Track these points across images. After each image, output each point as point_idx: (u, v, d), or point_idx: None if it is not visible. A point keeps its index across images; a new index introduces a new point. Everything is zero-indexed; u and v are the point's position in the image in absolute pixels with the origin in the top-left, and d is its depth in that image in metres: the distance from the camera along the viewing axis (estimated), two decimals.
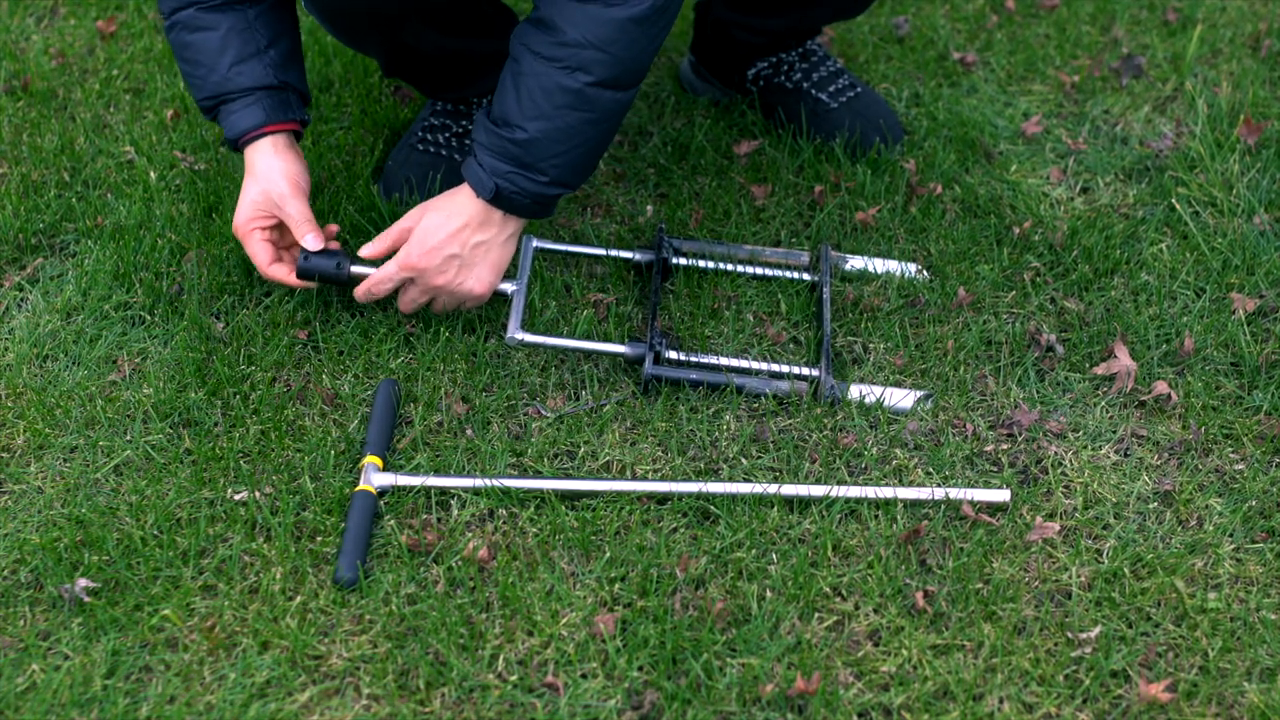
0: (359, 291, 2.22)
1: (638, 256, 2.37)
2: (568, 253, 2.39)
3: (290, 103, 2.24)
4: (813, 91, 2.62)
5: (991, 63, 2.85)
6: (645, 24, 2.04)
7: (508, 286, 2.24)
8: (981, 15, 2.97)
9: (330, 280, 2.23)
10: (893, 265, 2.39)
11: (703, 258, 2.39)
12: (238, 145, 2.22)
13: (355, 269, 2.22)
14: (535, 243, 2.33)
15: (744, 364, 2.21)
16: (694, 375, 2.19)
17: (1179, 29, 2.93)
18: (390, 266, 2.17)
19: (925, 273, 2.38)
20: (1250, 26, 2.93)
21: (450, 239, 2.13)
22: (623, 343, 2.22)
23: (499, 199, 2.11)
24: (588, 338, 2.28)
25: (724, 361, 2.21)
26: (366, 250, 2.19)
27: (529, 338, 2.20)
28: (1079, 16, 2.96)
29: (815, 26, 2.60)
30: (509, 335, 2.19)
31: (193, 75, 2.21)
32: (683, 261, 2.37)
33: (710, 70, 2.72)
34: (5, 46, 2.86)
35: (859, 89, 2.63)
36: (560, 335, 2.26)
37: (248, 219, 2.22)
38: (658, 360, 2.20)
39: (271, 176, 2.21)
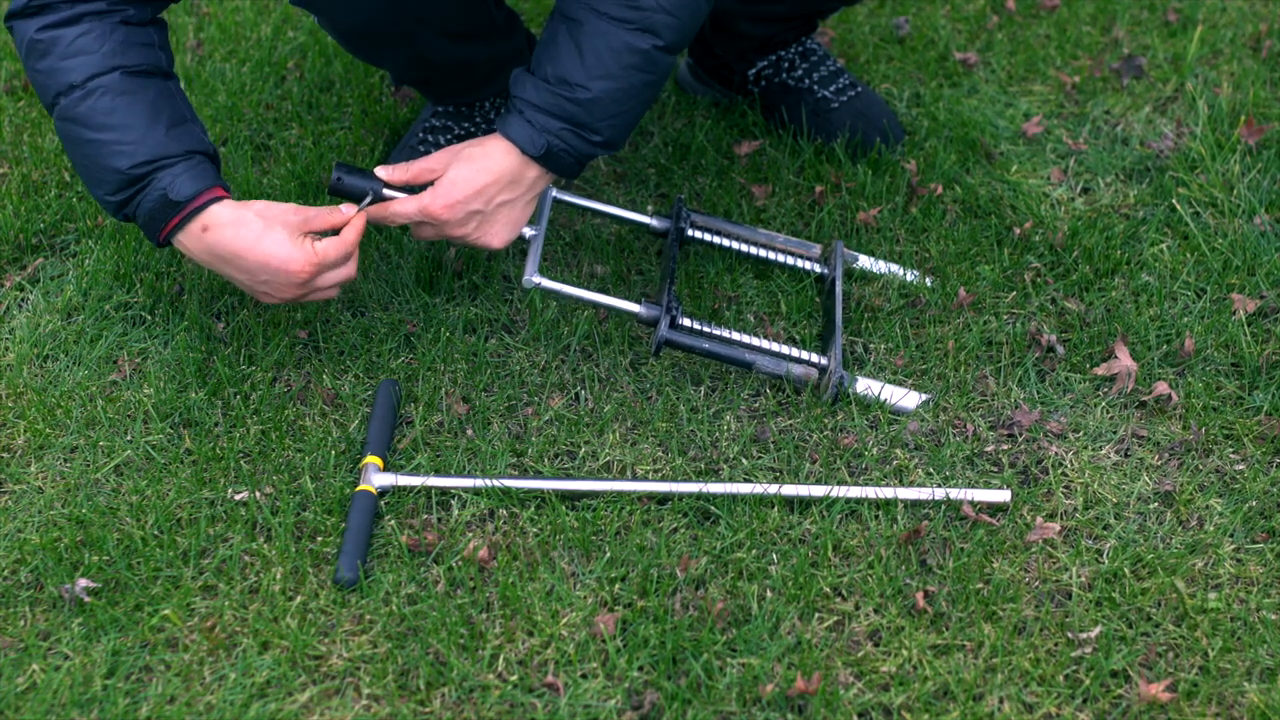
0: (373, 214, 2.16)
1: (655, 223, 2.37)
2: (585, 208, 2.37)
3: (219, 172, 2.13)
4: (815, 88, 2.62)
5: (992, 63, 2.85)
6: None
7: (527, 231, 2.22)
8: (982, 16, 2.97)
9: (357, 200, 2.16)
10: (899, 270, 2.39)
11: (717, 233, 2.39)
12: (183, 212, 2.05)
13: (386, 192, 2.16)
14: (554, 193, 2.32)
15: (757, 342, 2.20)
16: (707, 345, 2.18)
17: (1179, 29, 2.93)
18: (410, 205, 2.13)
19: (929, 280, 2.38)
20: (1251, 27, 2.93)
21: (475, 195, 2.12)
22: (638, 303, 2.21)
23: (546, 156, 2.11)
24: (588, 338, 2.28)
25: (737, 337, 2.20)
26: (383, 171, 2.15)
27: (545, 283, 2.19)
28: (1079, 17, 2.96)
29: (819, 10, 2.59)
30: (526, 279, 2.18)
31: (119, 143, 2.04)
32: (697, 234, 2.37)
33: (708, 73, 2.72)
34: (5, 46, 2.86)
35: (859, 88, 2.64)
36: (576, 286, 2.23)
37: (303, 256, 2.07)
38: (673, 325, 2.19)
39: (267, 215, 2.08)
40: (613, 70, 2.07)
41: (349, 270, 2.13)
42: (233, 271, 2.09)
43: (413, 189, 2.16)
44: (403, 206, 2.14)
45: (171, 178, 2.05)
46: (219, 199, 2.07)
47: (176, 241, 2.09)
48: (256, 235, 2.06)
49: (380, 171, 2.15)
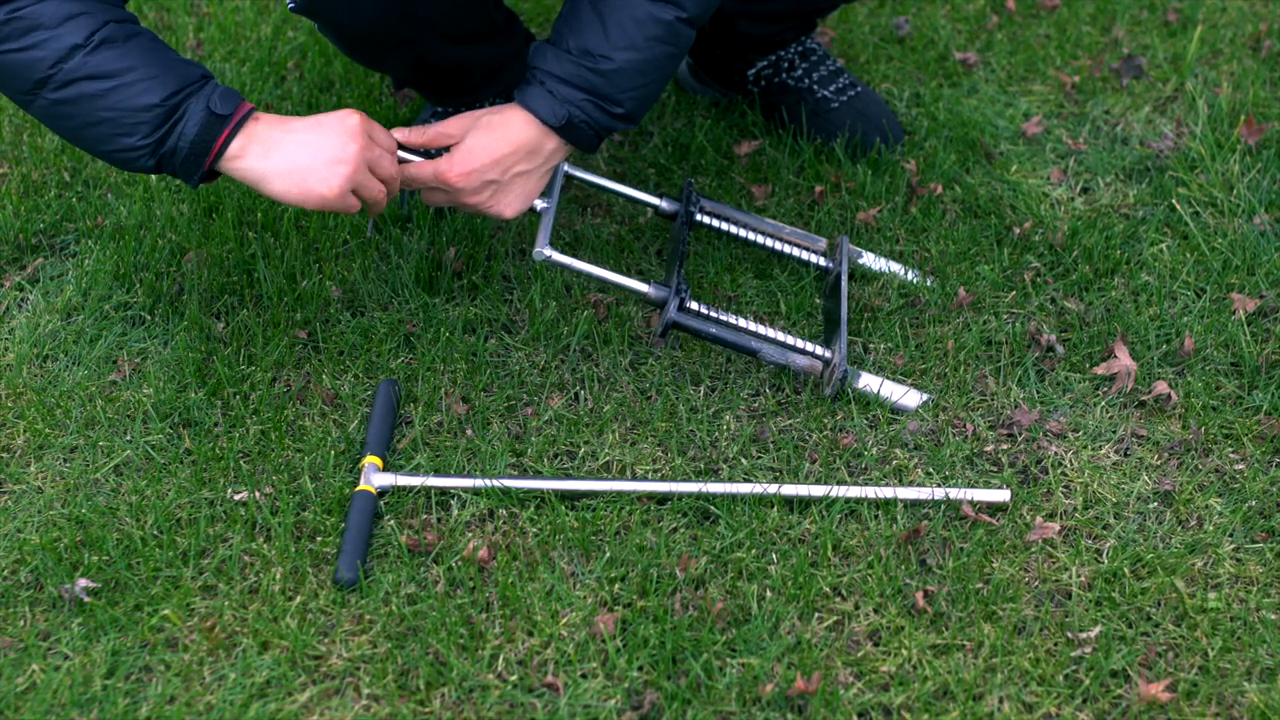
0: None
1: (665, 204, 2.37)
2: (596, 184, 2.35)
3: None
4: (814, 89, 2.62)
5: (992, 63, 2.85)
6: None
7: (539, 203, 2.21)
8: (982, 15, 2.97)
9: None
10: (899, 269, 2.39)
11: (725, 219, 2.38)
12: (235, 118, 2.01)
13: (401, 154, 2.15)
14: (566, 167, 2.31)
15: (764, 330, 2.20)
16: (714, 330, 2.18)
17: (1179, 29, 2.93)
18: (426, 169, 2.13)
19: (929, 279, 2.38)
20: (1251, 27, 2.93)
21: (493, 164, 2.12)
22: (647, 283, 2.21)
23: (566, 128, 2.11)
24: (587, 338, 2.28)
25: (744, 324, 2.20)
26: (400, 133, 2.15)
27: (557, 256, 2.18)
28: (1079, 17, 2.96)
29: (818, 8, 2.60)
30: (536, 251, 2.17)
31: (146, 79, 1.98)
32: (706, 219, 2.37)
33: (708, 72, 2.72)
34: None
35: (859, 88, 2.64)
36: (588, 262, 2.22)
37: (356, 110, 2.06)
38: (681, 308, 2.19)
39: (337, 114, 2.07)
40: (636, 41, 2.08)
41: (396, 171, 2.11)
42: (290, 149, 2.02)
43: (428, 153, 2.16)
44: (418, 170, 2.14)
45: (205, 98, 2.00)
46: (254, 108, 2.04)
47: (228, 155, 2.02)
48: (302, 118, 2.05)
49: (397, 133, 2.15)
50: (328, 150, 2.03)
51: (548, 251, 2.17)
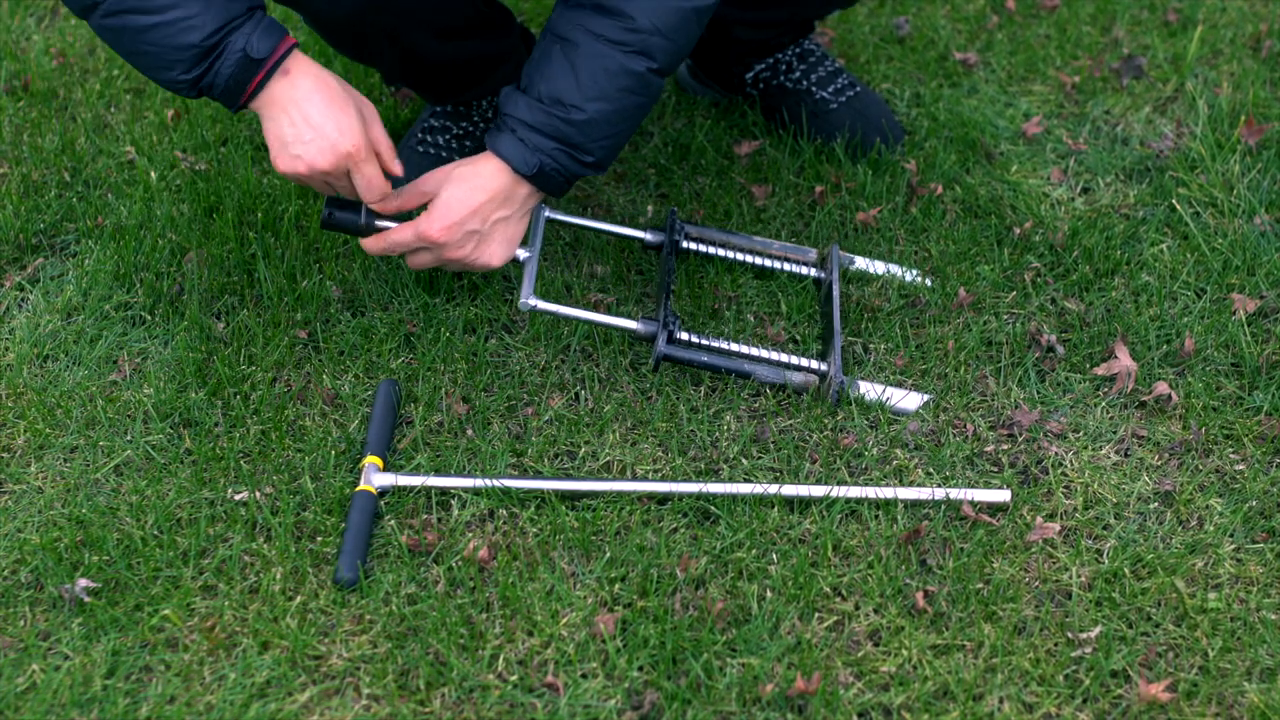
0: (371, 247, 2.19)
1: (649, 237, 2.37)
2: (579, 225, 2.37)
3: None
4: (813, 90, 2.62)
5: (992, 63, 2.86)
6: (704, 14, 2.11)
7: (521, 253, 2.22)
8: (982, 16, 2.97)
9: (353, 233, 2.20)
10: (898, 270, 2.39)
11: (712, 244, 2.39)
12: (267, 65, 2.04)
13: (379, 223, 2.18)
14: (547, 213, 2.32)
15: (756, 352, 2.20)
16: (705, 358, 2.18)
17: (1179, 29, 2.93)
18: (407, 232, 2.14)
19: (929, 280, 2.38)
20: (1251, 27, 2.93)
21: (472, 214, 2.13)
22: (635, 319, 2.21)
23: (538, 175, 2.12)
24: (588, 338, 2.28)
25: (736, 348, 2.21)
26: (377, 205, 2.16)
27: (541, 305, 2.19)
28: (1079, 17, 2.96)
29: (814, 14, 2.60)
30: (521, 301, 2.18)
31: (186, 18, 2.00)
32: (692, 246, 2.37)
33: (708, 74, 2.72)
34: (6, 46, 2.86)
35: (858, 88, 2.64)
36: (572, 306, 2.24)
37: (361, 141, 2.08)
38: (670, 340, 2.19)
39: (350, 90, 2.10)
40: (608, 92, 2.08)
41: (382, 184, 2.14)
42: (285, 121, 2.07)
43: (404, 216, 2.17)
44: (400, 235, 2.15)
45: (244, 38, 2.02)
46: (295, 45, 2.06)
47: (255, 102, 2.07)
48: (330, 97, 2.06)
49: (375, 206, 2.16)
50: (299, 147, 2.06)
51: (533, 301, 2.18)
